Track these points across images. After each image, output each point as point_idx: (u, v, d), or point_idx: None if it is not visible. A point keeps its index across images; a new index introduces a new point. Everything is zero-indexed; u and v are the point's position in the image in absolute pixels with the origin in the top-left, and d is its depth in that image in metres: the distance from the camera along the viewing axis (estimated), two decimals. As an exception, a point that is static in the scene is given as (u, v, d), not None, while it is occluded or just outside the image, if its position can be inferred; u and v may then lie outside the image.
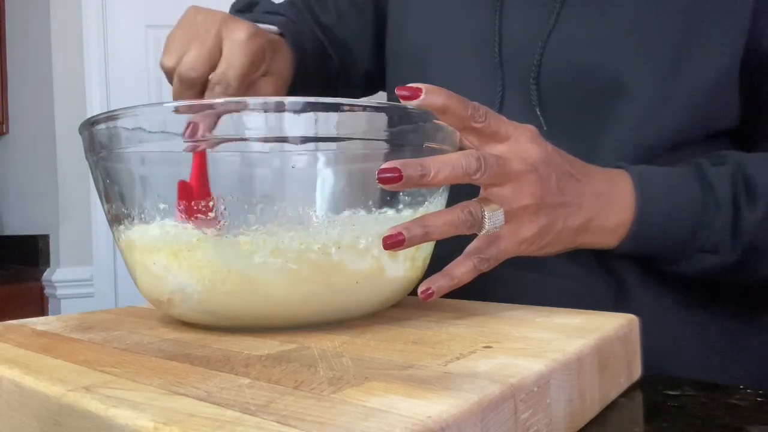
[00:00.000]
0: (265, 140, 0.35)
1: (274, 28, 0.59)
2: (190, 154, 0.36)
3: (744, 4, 0.49)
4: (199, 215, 0.35)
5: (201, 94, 0.49)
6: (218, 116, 0.34)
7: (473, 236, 0.39)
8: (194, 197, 0.36)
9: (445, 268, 0.39)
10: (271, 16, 0.62)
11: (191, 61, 0.48)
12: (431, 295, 0.38)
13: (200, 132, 0.34)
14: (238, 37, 0.48)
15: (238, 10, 0.66)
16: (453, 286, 0.38)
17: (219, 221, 0.35)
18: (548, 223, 0.41)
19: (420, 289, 0.38)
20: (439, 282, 0.38)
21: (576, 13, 0.52)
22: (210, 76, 0.48)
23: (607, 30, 0.51)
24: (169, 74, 0.50)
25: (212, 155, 0.36)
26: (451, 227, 0.36)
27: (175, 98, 0.50)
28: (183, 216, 0.36)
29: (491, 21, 0.56)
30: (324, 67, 0.68)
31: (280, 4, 0.68)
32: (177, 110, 0.35)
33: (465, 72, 0.57)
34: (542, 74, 0.52)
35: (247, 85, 0.50)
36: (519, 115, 0.52)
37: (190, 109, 0.34)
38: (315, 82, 0.65)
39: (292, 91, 0.60)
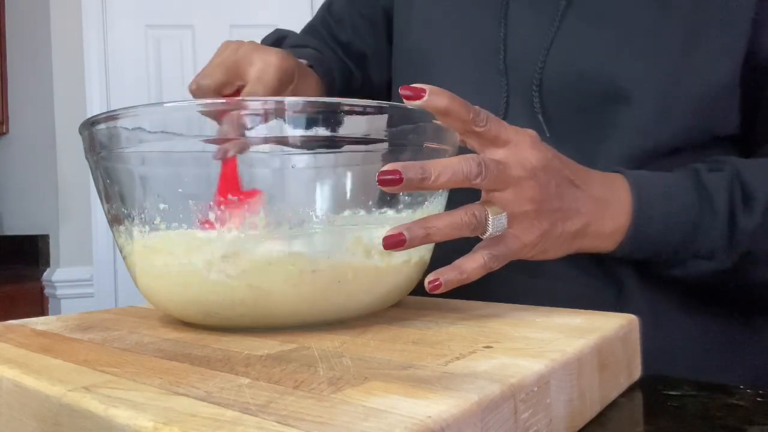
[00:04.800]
0: (273, 141, 0.35)
1: (304, 61, 0.62)
2: (190, 155, 0.36)
3: (744, 13, 0.49)
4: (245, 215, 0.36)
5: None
6: (240, 122, 0.35)
7: (474, 239, 0.39)
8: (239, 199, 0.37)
9: (455, 262, 0.38)
10: (300, 50, 0.66)
11: (207, 69, 0.51)
12: (439, 286, 0.37)
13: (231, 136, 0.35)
14: (269, 58, 0.51)
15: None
16: (461, 281, 0.37)
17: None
18: (549, 227, 0.41)
19: (427, 280, 0.37)
20: (448, 274, 0.37)
21: (578, 22, 0.52)
22: (240, 93, 0.51)
23: (608, 38, 0.51)
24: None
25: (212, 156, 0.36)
26: (454, 230, 0.36)
27: None
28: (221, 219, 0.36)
29: (496, 29, 0.56)
30: (348, 84, 0.71)
31: (305, 36, 0.72)
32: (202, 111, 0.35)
33: (469, 79, 0.57)
34: (545, 81, 0.52)
35: None
36: (523, 121, 0.52)
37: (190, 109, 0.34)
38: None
39: None
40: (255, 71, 0.51)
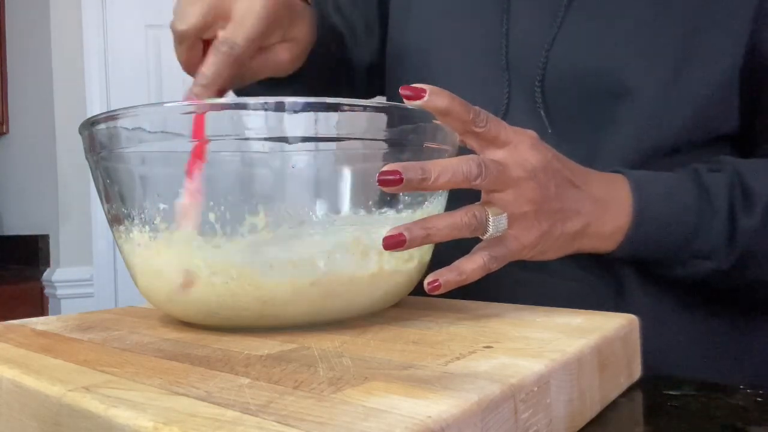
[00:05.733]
0: (266, 140, 0.35)
1: None
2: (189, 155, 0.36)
3: (745, 11, 0.49)
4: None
5: (196, 50, 0.47)
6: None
7: (474, 239, 0.39)
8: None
9: (455, 263, 0.38)
10: None
11: (184, 12, 0.45)
12: (438, 287, 0.37)
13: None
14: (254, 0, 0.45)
15: None
16: (460, 282, 0.37)
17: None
18: (548, 228, 0.42)
19: (427, 281, 0.37)
20: (447, 276, 0.37)
21: (580, 18, 0.52)
22: (218, 35, 0.46)
23: (610, 35, 0.51)
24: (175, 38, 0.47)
25: (213, 156, 0.36)
26: (454, 230, 0.36)
27: (177, 55, 0.48)
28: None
29: (498, 24, 0.56)
30: (330, 54, 0.65)
31: None
32: (179, 110, 0.35)
33: (471, 74, 0.57)
34: (547, 78, 0.52)
35: (258, 49, 0.48)
36: (524, 117, 0.52)
37: (187, 109, 0.34)
38: (317, 74, 0.62)
39: (294, 84, 0.58)
40: (239, 10, 0.45)
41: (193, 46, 0.47)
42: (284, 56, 0.51)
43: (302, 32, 0.52)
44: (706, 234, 0.46)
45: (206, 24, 0.45)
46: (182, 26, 0.45)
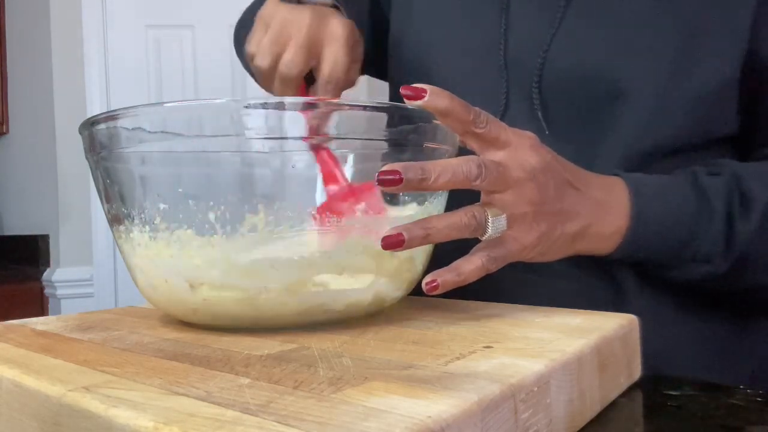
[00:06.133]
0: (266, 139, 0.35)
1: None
2: (190, 155, 0.36)
3: (744, 13, 0.49)
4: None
5: (298, 89, 0.52)
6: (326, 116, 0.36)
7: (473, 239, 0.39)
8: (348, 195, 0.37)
9: (453, 264, 0.38)
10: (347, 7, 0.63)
11: (290, 60, 0.50)
12: (436, 287, 0.37)
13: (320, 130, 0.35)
14: (338, 35, 0.51)
15: None
16: (459, 283, 0.37)
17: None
18: (547, 229, 0.41)
19: (425, 281, 0.37)
20: (446, 276, 0.37)
21: (578, 19, 0.52)
22: (321, 76, 0.51)
23: (608, 36, 0.51)
24: (264, 74, 0.52)
25: (213, 156, 0.36)
26: (454, 231, 0.36)
27: (281, 95, 0.53)
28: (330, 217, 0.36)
29: (497, 24, 0.56)
30: None
31: None
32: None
33: (469, 75, 0.57)
34: (545, 79, 0.52)
35: None
36: (523, 118, 0.52)
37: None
38: None
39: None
40: (330, 50, 0.50)
41: (299, 86, 0.52)
42: (355, 76, 0.56)
43: (361, 52, 0.57)
44: (703, 237, 0.46)
45: (308, 67, 0.51)
46: (292, 71, 0.50)
